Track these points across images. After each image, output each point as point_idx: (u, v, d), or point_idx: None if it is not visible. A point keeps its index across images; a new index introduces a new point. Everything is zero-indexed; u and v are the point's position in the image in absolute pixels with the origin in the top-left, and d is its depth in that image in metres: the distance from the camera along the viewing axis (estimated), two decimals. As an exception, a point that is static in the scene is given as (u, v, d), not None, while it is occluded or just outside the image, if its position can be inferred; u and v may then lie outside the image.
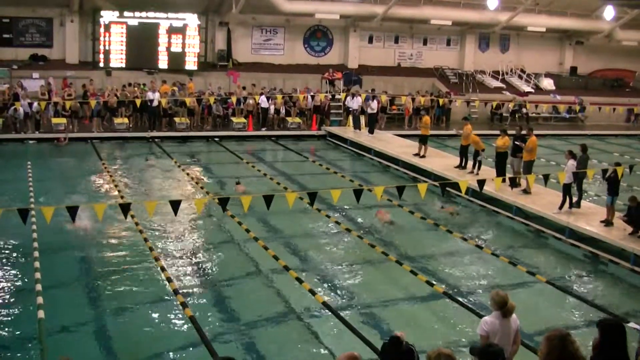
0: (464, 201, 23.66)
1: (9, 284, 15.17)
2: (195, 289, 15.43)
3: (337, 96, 38.26)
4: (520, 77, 48.01)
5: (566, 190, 20.43)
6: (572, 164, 20.36)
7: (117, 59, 39.01)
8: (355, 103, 35.19)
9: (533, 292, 16.20)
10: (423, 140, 28.48)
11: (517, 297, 15.25)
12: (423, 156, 28.22)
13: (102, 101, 33.59)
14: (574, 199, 20.93)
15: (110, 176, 25.57)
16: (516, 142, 23.50)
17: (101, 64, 38.90)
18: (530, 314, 13.86)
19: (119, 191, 23.34)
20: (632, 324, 13.37)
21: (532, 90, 46.41)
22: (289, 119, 37.01)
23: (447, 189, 20.86)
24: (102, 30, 38.52)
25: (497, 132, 25.57)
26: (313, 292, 14.96)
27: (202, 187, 24.47)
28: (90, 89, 35.10)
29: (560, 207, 20.52)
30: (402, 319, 14.27)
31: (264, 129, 36.14)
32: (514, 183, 22.50)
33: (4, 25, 38.63)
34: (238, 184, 24.06)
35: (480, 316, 12.18)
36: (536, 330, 13.33)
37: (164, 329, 13.31)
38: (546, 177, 19.93)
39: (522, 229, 21.30)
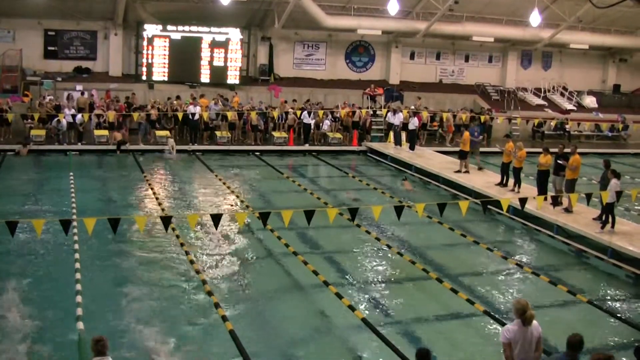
0: (505, 219, 23.50)
1: (48, 294, 15.31)
2: (235, 303, 15.43)
3: (378, 112, 38.25)
4: (562, 94, 47.61)
5: (609, 209, 20.20)
6: (615, 182, 20.09)
7: (160, 72, 39.45)
8: (396, 119, 35.12)
9: (574, 312, 16.00)
10: (463, 155, 28.43)
11: (557, 316, 15.26)
12: (466, 172, 28.17)
13: (144, 114, 33.95)
14: (602, 216, 20.79)
15: (152, 188, 25.78)
16: (558, 161, 23.25)
17: (144, 77, 39.33)
18: (570, 334, 13.65)
19: (159, 203, 23.54)
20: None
21: (575, 108, 45.99)
22: (330, 134, 37.06)
23: (489, 206, 20.71)
24: (145, 43, 38.92)
25: (539, 149, 25.36)
26: (353, 308, 14.89)
27: (242, 201, 24.56)
28: (134, 102, 35.46)
29: (603, 227, 20.31)
30: (441, 337, 14.19)
31: (307, 144, 36.26)
32: (555, 201, 22.33)
33: (49, 37, 39.28)
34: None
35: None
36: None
37: (203, 342, 13.36)
38: (588, 196, 19.74)
39: (564, 248, 21.06)
